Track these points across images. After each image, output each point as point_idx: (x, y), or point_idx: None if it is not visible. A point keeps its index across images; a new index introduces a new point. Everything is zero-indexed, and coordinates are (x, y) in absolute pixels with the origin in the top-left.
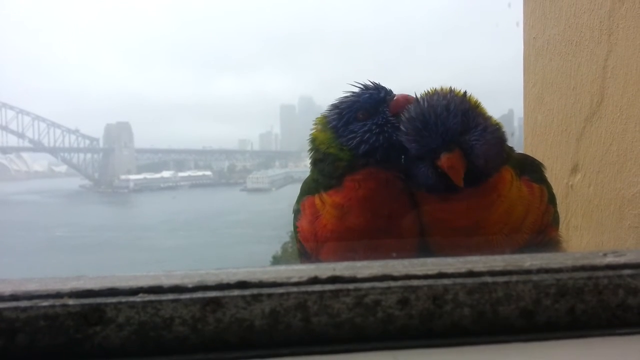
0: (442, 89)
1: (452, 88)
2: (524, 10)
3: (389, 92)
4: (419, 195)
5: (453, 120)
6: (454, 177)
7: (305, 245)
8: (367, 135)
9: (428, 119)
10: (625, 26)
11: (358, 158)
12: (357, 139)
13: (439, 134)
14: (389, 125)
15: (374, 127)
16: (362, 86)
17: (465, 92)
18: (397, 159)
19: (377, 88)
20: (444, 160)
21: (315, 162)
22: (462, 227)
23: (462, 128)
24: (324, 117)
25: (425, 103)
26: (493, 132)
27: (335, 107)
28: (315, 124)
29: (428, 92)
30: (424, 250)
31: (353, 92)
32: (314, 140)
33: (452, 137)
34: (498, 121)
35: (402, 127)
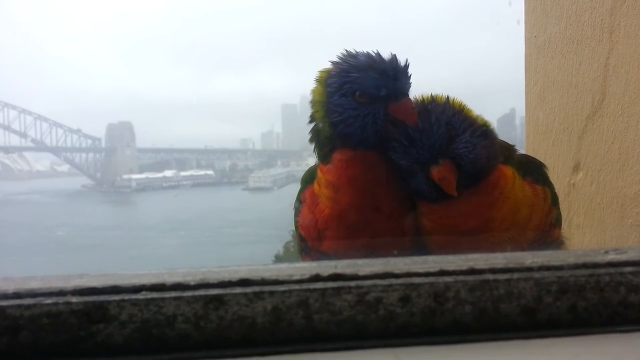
0: (423, 98)
1: (434, 95)
2: (525, 9)
3: (401, 88)
4: (420, 204)
5: (437, 132)
6: (446, 188)
7: (306, 238)
8: (350, 120)
9: (413, 134)
10: (626, 24)
11: (333, 135)
12: (341, 117)
13: (426, 148)
14: (376, 124)
15: (360, 117)
16: (380, 65)
17: (447, 98)
18: (373, 147)
19: (393, 77)
20: (435, 173)
21: (311, 128)
22: (468, 229)
23: (448, 137)
24: (328, 72)
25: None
26: (481, 134)
27: (341, 73)
28: (320, 74)
29: None
30: (427, 252)
31: (365, 64)
32: (310, 101)
33: (439, 149)
34: (486, 120)
35: (390, 144)
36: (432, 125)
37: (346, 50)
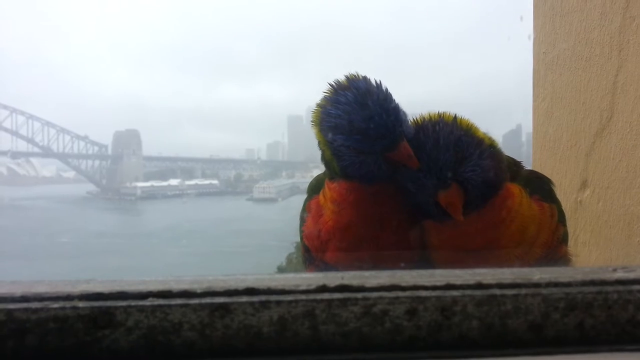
0: (430, 116)
1: (441, 114)
2: (534, 25)
3: (392, 140)
4: (426, 223)
5: (445, 156)
6: (453, 213)
7: (310, 248)
8: (356, 165)
9: (420, 158)
10: (635, 42)
11: (344, 174)
12: (346, 163)
13: (433, 173)
14: (380, 168)
15: (364, 163)
16: (365, 121)
17: (455, 117)
18: (384, 181)
19: (381, 134)
20: (442, 198)
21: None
22: (475, 248)
23: (456, 161)
24: (319, 118)
25: (415, 140)
26: (488, 155)
27: (329, 131)
28: (314, 117)
29: (416, 122)
30: (432, 267)
31: (353, 126)
32: (314, 133)
33: (447, 173)
34: (493, 140)
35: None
36: (440, 149)
37: (331, 91)
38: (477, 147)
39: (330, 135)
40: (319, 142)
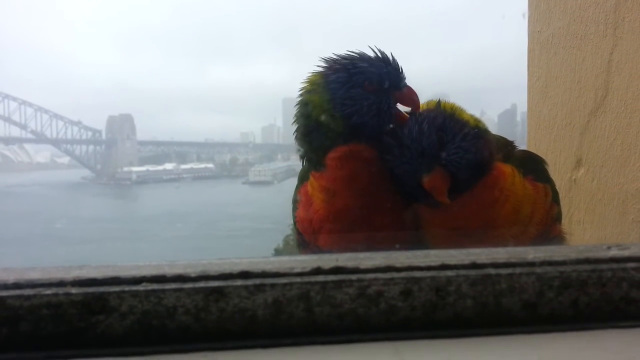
0: None
1: (427, 102)
2: (529, 3)
3: (403, 78)
4: (419, 208)
5: (428, 141)
6: (437, 197)
7: (303, 234)
8: (365, 109)
9: (403, 142)
10: (630, 20)
11: (347, 128)
12: (354, 107)
13: (416, 157)
14: (388, 111)
15: (373, 105)
16: (380, 57)
17: (439, 102)
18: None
19: (396, 67)
20: (426, 182)
21: (305, 133)
22: (469, 229)
23: (439, 145)
24: (323, 76)
25: (398, 129)
26: (473, 137)
27: (342, 67)
28: (309, 83)
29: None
30: (427, 247)
31: (367, 57)
32: (306, 104)
33: (430, 157)
34: (479, 120)
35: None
36: (423, 133)
37: (332, 54)
38: (461, 130)
39: (348, 71)
40: (312, 107)
